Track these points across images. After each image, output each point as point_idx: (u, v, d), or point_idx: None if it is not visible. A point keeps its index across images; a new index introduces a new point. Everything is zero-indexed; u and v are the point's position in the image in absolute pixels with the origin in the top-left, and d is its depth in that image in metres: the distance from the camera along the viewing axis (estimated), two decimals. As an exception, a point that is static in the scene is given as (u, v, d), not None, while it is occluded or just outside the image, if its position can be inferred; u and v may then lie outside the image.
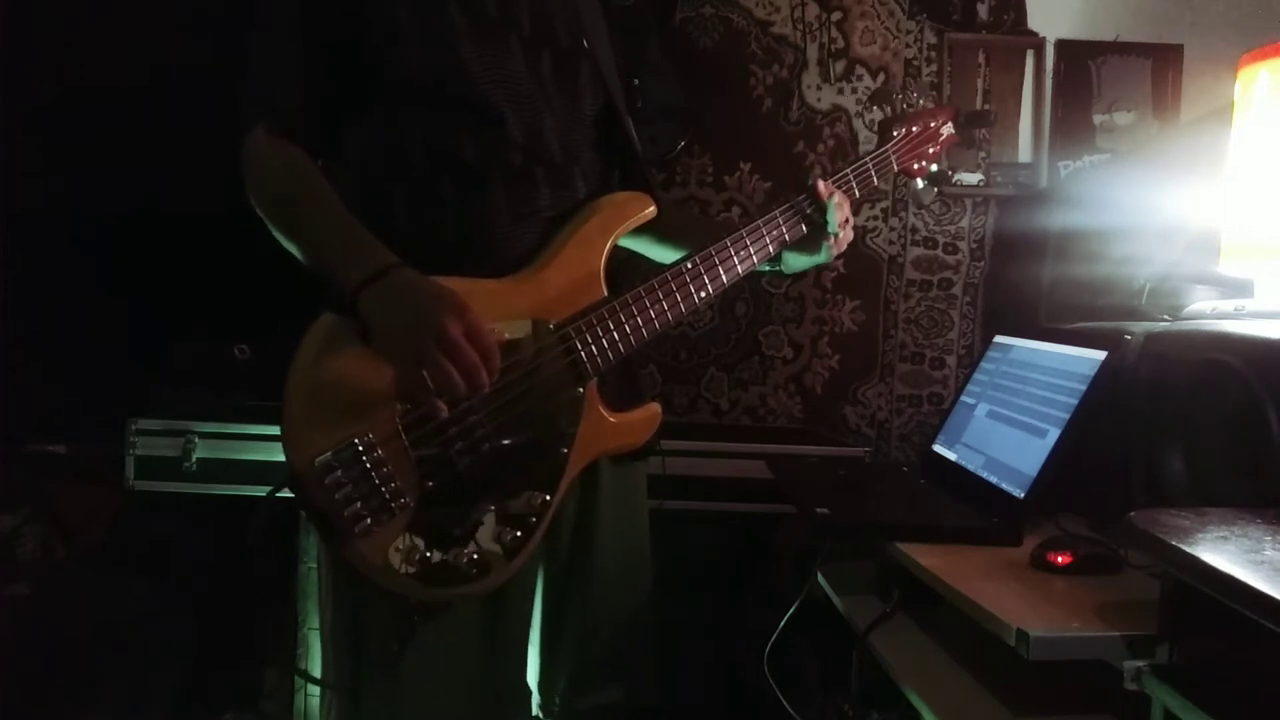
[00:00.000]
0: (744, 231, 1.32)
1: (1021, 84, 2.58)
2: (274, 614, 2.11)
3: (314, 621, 2.05)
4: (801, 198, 1.36)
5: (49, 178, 2.37)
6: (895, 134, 1.46)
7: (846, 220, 1.36)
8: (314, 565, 2.05)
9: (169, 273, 2.36)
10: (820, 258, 1.38)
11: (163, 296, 2.36)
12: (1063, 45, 2.56)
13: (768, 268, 1.40)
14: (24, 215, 2.34)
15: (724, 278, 1.30)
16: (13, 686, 2.04)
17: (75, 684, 2.11)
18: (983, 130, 2.45)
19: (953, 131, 1.51)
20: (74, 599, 2.21)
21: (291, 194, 1.19)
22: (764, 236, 1.33)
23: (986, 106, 2.54)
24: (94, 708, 2.11)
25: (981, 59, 2.58)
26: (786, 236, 1.35)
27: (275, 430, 2.10)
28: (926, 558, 1.31)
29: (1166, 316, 1.66)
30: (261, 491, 2.02)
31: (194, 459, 2.05)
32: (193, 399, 2.20)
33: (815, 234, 1.36)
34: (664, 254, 1.40)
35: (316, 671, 1.97)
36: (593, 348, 1.21)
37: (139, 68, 2.30)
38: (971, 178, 2.58)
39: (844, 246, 1.39)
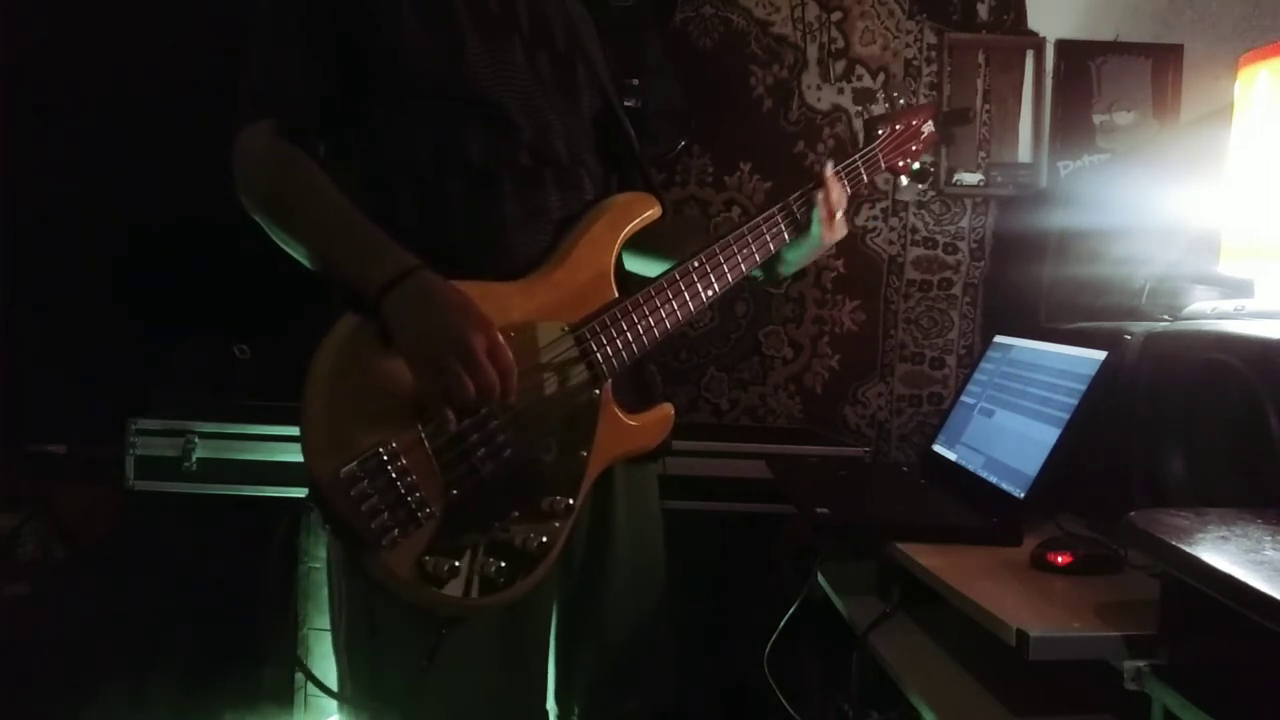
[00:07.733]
0: (745, 229, 1.32)
1: (1021, 84, 2.57)
2: (274, 614, 2.11)
3: (315, 622, 2.05)
4: (807, 187, 1.36)
5: (51, 179, 2.37)
6: (880, 132, 1.48)
7: (836, 209, 1.36)
8: (315, 565, 2.05)
9: (169, 273, 2.36)
10: (813, 242, 1.37)
11: (163, 297, 2.36)
12: (1063, 45, 2.56)
13: (760, 274, 1.40)
14: (26, 216, 2.34)
15: (729, 275, 1.30)
16: (13, 686, 2.04)
17: (75, 684, 2.11)
18: (963, 127, 2.43)
19: (934, 130, 1.54)
20: (74, 599, 2.21)
21: (297, 194, 1.16)
22: (764, 234, 1.34)
23: (965, 105, 2.53)
24: (94, 708, 2.11)
25: (981, 59, 2.57)
26: (785, 236, 1.35)
27: (275, 430, 2.12)
28: (926, 558, 1.31)
29: (1166, 316, 1.66)
30: (261, 492, 2.03)
31: (194, 459, 2.05)
32: (193, 399, 2.20)
33: (810, 228, 1.37)
34: (651, 263, 1.37)
35: (318, 673, 1.96)
36: (608, 349, 1.21)
37: (143, 70, 2.29)
38: (971, 178, 2.58)
39: (838, 234, 1.38)
